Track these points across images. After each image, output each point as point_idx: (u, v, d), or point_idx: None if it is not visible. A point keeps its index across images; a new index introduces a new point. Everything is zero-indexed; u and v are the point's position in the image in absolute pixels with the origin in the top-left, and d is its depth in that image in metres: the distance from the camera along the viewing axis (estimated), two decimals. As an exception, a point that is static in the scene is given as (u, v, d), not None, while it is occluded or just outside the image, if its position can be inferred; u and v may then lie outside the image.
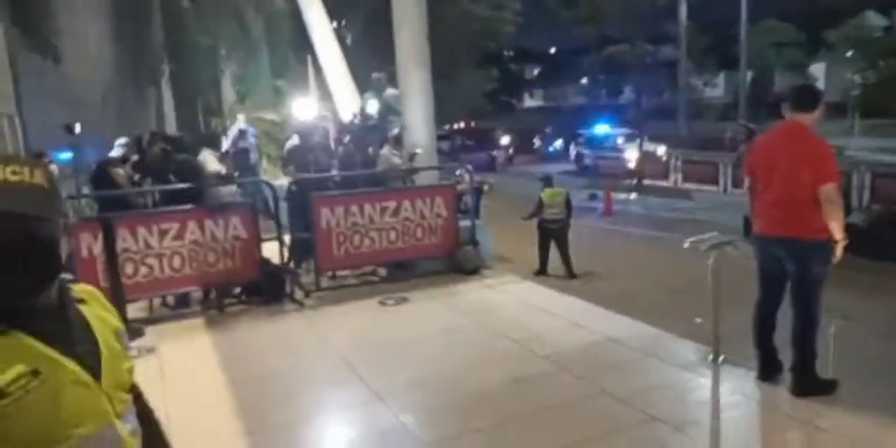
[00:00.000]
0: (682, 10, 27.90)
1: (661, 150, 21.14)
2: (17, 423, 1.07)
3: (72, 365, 1.16)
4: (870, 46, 32.47)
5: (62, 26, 11.23)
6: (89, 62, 12.72)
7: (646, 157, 20.13)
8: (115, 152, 7.32)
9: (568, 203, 8.32)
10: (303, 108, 9.39)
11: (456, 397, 4.01)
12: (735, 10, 25.34)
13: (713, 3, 29.94)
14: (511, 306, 5.92)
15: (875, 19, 37.33)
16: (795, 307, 3.74)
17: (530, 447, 3.39)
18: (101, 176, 6.51)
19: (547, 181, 8.57)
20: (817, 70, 40.74)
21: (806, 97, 3.82)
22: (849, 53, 34.47)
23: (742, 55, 26.63)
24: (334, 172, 7.52)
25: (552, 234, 8.24)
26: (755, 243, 3.91)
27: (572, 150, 24.90)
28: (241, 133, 10.97)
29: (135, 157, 7.44)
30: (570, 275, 7.98)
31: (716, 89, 41.53)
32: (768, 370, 3.91)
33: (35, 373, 1.10)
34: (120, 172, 6.51)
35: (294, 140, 7.48)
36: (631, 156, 20.50)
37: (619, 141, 23.32)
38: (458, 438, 3.51)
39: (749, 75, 30.17)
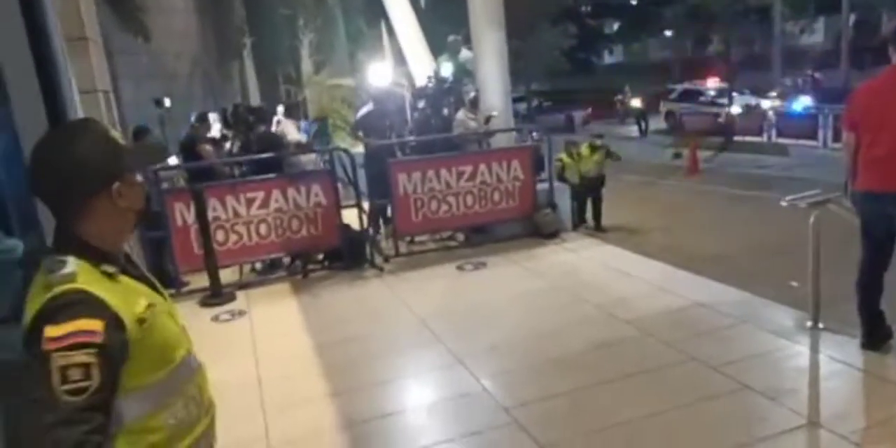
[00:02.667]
0: (778, -50, 25.77)
1: (765, 103, 19.97)
2: (148, 345, 1.29)
3: (164, 300, 1.41)
4: None
5: (149, 3, 11.62)
6: (176, 37, 13.16)
7: (747, 111, 19.03)
8: (214, 130, 7.48)
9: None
10: (377, 74, 9.37)
11: (537, 362, 3.98)
12: (838, -54, 23.18)
13: (813, -60, 27.47)
14: (592, 270, 5.79)
15: None
16: None
17: (614, 414, 3.31)
18: (191, 151, 6.77)
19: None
20: (933, 8, 36.86)
21: None
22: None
23: (845, -4, 24.44)
24: (408, 138, 7.51)
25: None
26: (861, 200, 3.60)
27: (662, 107, 23.66)
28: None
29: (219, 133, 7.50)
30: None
31: (814, 35, 38.38)
32: (874, 337, 3.64)
33: (151, 305, 1.33)
34: (208, 148, 6.75)
35: (368, 106, 7.47)
36: (733, 110, 19.33)
37: (712, 94, 22.00)
38: (539, 403, 3.48)
39: (851, 19, 27.65)
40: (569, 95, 29.33)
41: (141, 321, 1.28)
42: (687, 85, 24.28)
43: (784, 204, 3.95)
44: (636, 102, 24.29)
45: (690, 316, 4.51)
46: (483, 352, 4.19)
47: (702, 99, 22.01)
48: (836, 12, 26.56)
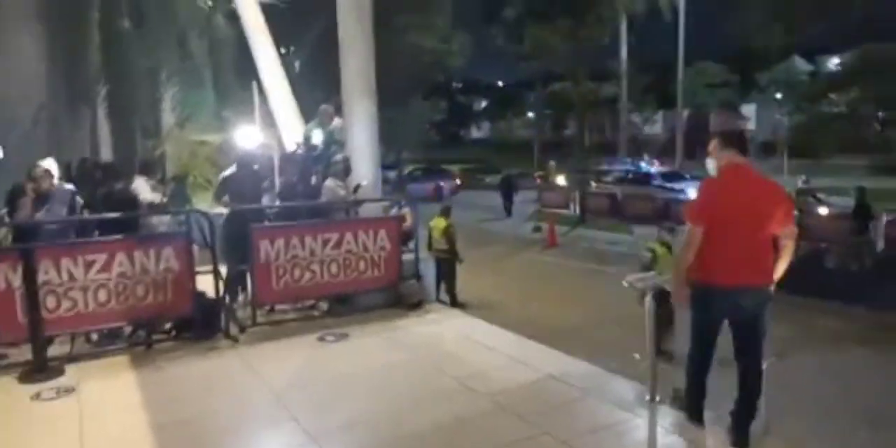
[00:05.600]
0: (623, 50, 29.09)
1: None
2: None
3: None
4: (796, 89, 34.54)
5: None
6: (21, 81, 12.22)
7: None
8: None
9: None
10: (244, 136, 9.19)
11: (394, 438, 3.89)
12: (673, 52, 26.55)
13: (652, 44, 31.36)
14: (454, 342, 5.84)
15: (801, 64, 39.93)
16: (749, 356, 3.64)
17: (468, 493, 3.29)
18: (13, 205, 6.07)
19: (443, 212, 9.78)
20: (748, 110, 43.04)
21: (746, 142, 3.92)
22: (778, 95, 36.62)
23: (679, 94, 27.84)
24: (272, 203, 7.35)
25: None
26: (705, 293, 3.64)
27: (595, 188, 22.59)
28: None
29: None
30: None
31: (654, 126, 43.21)
32: (701, 411, 3.94)
33: None
34: (27, 203, 6.06)
35: (231, 169, 7.25)
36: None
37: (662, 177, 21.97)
38: (395, 485, 3.38)
39: (685, 114, 31.51)
40: (438, 165, 30.45)
41: None
42: (630, 166, 24.32)
43: (625, 284, 4.26)
44: (560, 180, 23.20)
45: (543, 389, 4.65)
46: (338, 428, 4.04)
47: (655, 183, 21.82)
48: (674, 107, 30.12)
